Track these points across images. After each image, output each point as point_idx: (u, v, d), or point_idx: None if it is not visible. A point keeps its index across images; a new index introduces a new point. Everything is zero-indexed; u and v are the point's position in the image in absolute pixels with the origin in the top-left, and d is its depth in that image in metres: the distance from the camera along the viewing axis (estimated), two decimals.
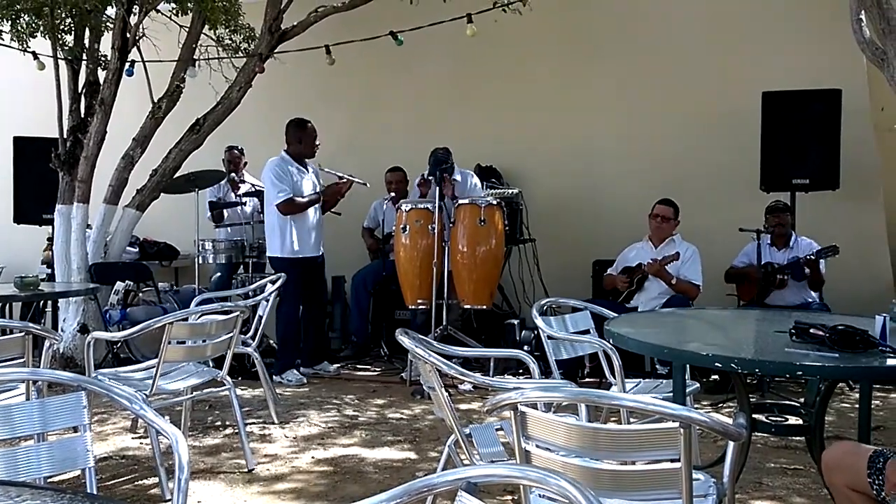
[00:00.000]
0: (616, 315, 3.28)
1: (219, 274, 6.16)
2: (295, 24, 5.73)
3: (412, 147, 6.01)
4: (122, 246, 5.99)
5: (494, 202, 5.34)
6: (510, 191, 6.13)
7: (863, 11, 3.87)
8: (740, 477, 3.01)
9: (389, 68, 6.80)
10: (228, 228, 6.22)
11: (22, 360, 2.87)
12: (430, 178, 5.37)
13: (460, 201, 5.33)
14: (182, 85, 5.76)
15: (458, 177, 5.63)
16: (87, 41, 5.86)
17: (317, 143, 5.40)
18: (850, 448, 2.06)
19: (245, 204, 6.15)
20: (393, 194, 6.15)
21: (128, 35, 5.63)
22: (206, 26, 5.80)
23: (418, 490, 1.18)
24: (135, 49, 5.70)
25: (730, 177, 6.00)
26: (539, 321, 3.17)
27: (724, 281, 5.34)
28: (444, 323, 5.18)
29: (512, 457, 1.87)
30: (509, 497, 3.09)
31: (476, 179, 5.81)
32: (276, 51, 5.77)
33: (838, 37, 4.87)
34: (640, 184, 6.09)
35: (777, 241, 5.23)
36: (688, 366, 2.92)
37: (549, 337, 3.18)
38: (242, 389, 4.79)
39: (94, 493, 1.83)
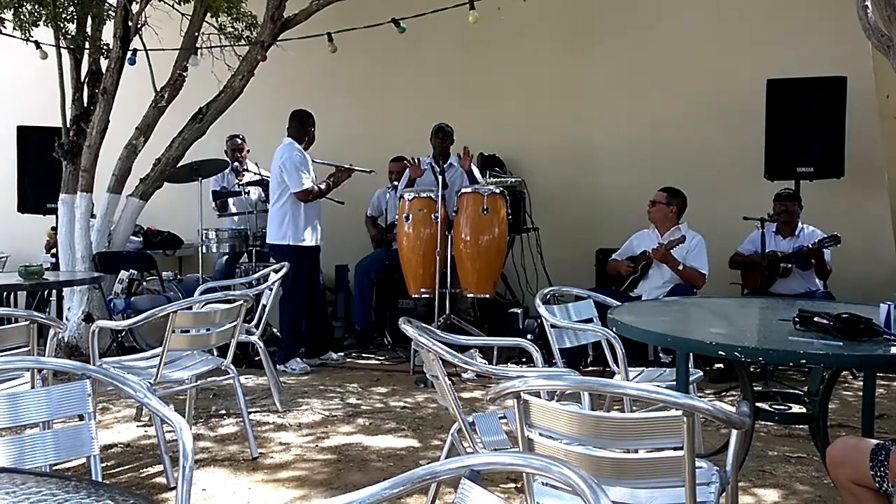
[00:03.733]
0: (619, 303, 3.28)
1: (226, 258, 6.15)
2: (297, 12, 5.70)
3: (415, 136, 6.00)
4: (125, 235, 6.00)
5: (497, 191, 5.33)
6: (513, 179, 6.12)
7: None
8: (743, 465, 3.02)
9: (392, 57, 6.77)
10: (235, 217, 6.21)
11: (27, 349, 2.88)
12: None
13: (463, 190, 5.33)
14: (184, 74, 5.75)
15: (454, 163, 5.63)
16: (89, 30, 5.84)
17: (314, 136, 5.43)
18: (852, 443, 2.06)
19: (249, 193, 6.15)
20: (396, 183, 6.14)
21: (130, 24, 5.62)
22: (208, 14, 5.78)
23: (421, 478, 1.18)
24: (137, 38, 5.69)
25: (734, 165, 5.98)
26: (542, 310, 3.17)
27: (729, 267, 5.33)
28: (447, 312, 5.19)
29: (515, 445, 1.87)
30: (512, 485, 3.09)
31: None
32: (278, 39, 5.75)
33: (843, 24, 4.84)
34: (643, 172, 6.07)
35: (783, 230, 5.21)
36: (691, 354, 2.92)
37: (553, 325, 3.18)
38: (246, 378, 4.81)
39: (99, 480, 1.84)
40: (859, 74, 5.56)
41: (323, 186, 5.37)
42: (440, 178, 5.22)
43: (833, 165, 5.40)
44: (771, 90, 5.53)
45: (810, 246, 4.94)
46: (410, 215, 5.31)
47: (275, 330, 5.59)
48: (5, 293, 5.94)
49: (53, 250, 6.31)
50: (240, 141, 6.29)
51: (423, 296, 5.36)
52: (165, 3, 5.77)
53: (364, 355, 5.81)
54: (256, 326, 4.42)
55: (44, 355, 2.96)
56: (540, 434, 1.77)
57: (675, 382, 2.77)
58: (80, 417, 1.85)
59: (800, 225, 5.24)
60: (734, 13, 6.16)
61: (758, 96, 5.56)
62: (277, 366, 5.07)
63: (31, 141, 6.49)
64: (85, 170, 5.69)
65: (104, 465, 3.34)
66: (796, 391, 3.63)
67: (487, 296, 5.41)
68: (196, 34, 5.82)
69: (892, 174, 6.07)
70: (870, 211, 5.84)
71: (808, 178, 5.46)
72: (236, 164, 6.23)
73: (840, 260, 5.13)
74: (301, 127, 5.36)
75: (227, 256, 6.12)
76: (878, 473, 1.88)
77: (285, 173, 5.23)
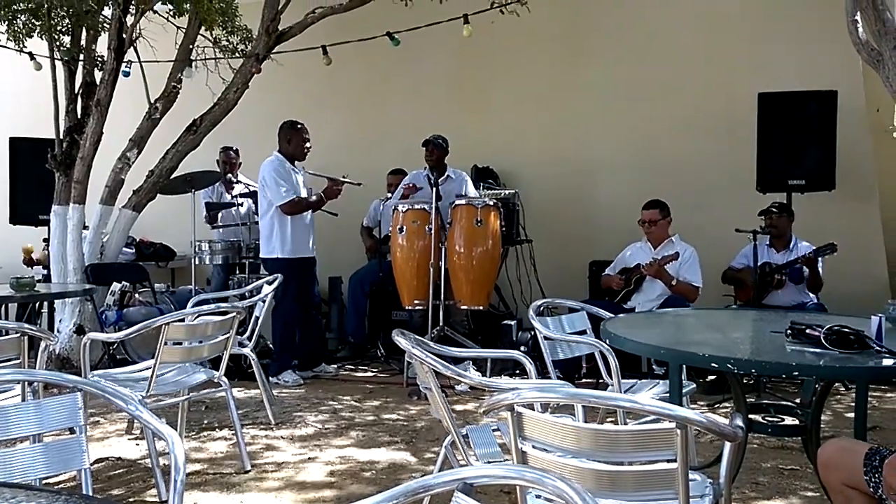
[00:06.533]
0: (613, 316, 3.28)
1: (216, 274, 6.15)
2: (292, 25, 5.72)
3: (409, 147, 6.01)
4: (118, 247, 5.98)
5: (491, 203, 5.34)
6: (507, 192, 6.13)
7: (858, 13, 3.88)
8: (737, 477, 3.02)
9: (386, 68, 6.80)
10: (222, 230, 6.20)
11: (18, 361, 2.86)
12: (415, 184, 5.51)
13: (457, 202, 5.34)
14: (178, 86, 5.75)
15: (452, 175, 5.65)
16: (83, 42, 5.85)
17: (308, 145, 5.39)
18: (845, 445, 2.06)
19: (241, 205, 6.14)
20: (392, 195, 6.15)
21: (124, 36, 5.62)
22: (203, 27, 5.79)
23: (414, 491, 1.18)
24: (131, 50, 5.70)
25: (726, 178, 6.01)
26: (536, 322, 3.17)
27: (722, 282, 5.34)
28: (441, 323, 5.18)
29: (509, 457, 1.87)
30: (506, 497, 3.08)
31: (470, 182, 5.81)
32: (273, 52, 5.77)
33: (834, 38, 4.89)
34: (636, 185, 6.09)
35: (776, 244, 5.23)
36: (684, 366, 2.92)
37: (546, 338, 3.18)
38: (239, 391, 4.79)
39: (90, 494, 1.82)
40: (850, 88, 5.61)
41: (313, 199, 5.36)
42: (434, 189, 5.23)
43: (824, 178, 5.43)
44: (763, 103, 5.57)
45: (806, 255, 4.95)
46: (404, 227, 5.31)
47: (268, 342, 5.57)
48: None
49: (37, 268, 6.29)
50: (233, 154, 6.30)
51: (417, 307, 5.35)
52: (160, 15, 5.78)
53: (358, 367, 5.79)
54: (249, 338, 4.40)
55: (35, 368, 2.94)
56: (533, 446, 1.77)
57: (668, 394, 2.77)
58: (71, 430, 1.84)
59: (793, 239, 5.25)
60: (726, 27, 6.21)
61: (750, 110, 5.60)
62: (270, 378, 5.05)
63: (24, 152, 6.48)
64: (78, 181, 5.67)
65: (95, 478, 3.32)
66: (789, 403, 3.63)
67: (481, 308, 5.40)
68: (190, 47, 5.83)
69: (883, 187, 6.11)
70: (861, 223, 5.87)
71: (800, 191, 5.49)
72: (229, 175, 6.23)
73: (831, 272, 5.15)
74: (283, 139, 5.37)
75: (216, 273, 6.11)
76: (873, 479, 1.88)
77: (266, 188, 5.26)
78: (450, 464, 2.51)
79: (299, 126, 5.38)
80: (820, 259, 4.96)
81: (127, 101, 5.85)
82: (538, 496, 1.88)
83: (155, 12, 5.72)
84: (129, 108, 5.92)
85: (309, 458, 3.70)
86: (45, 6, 5.45)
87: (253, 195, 6.04)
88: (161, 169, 5.82)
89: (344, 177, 5.46)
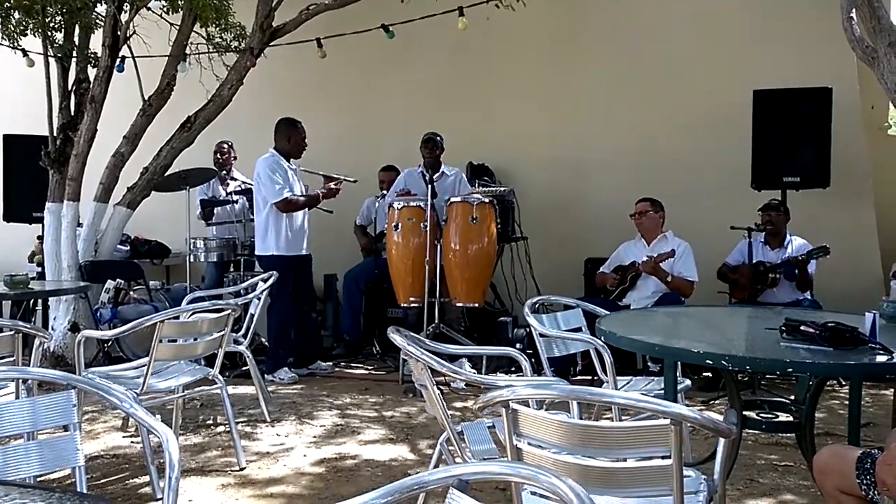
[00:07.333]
0: (608, 313, 3.29)
1: (210, 271, 6.13)
2: (286, 21, 5.70)
3: (404, 144, 6.01)
4: (112, 244, 5.96)
5: (486, 200, 5.34)
6: (502, 189, 6.13)
7: (854, 9, 3.89)
8: (731, 473, 3.02)
9: (381, 65, 6.79)
10: (215, 228, 6.17)
11: (12, 359, 2.86)
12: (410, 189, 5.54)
13: (452, 199, 5.33)
14: (173, 82, 5.73)
15: (447, 172, 5.64)
16: (77, 39, 5.82)
17: (305, 143, 5.39)
18: (838, 451, 2.08)
19: (236, 202, 6.13)
20: (385, 192, 6.14)
21: (118, 33, 5.60)
22: (198, 24, 5.77)
23: (409, 487, 1.18)
24: (125, 47, 5.67)
25: (721, 175, 6.02)
26: (531, 319, 3.17)
27: (717, 278, 5.35)
28: (436, 321, 5.18)
29: (504, 454, 1.87)
30: (501, 494, 3.09)
31: (465, 180, 5.81)
32: (267, 47, 5.75)
33: (829, 35, 4.90)
34: (631, 182, 6.09)
35: (771, 241, 5.24)
36: (679, 363, 2.93)
37: (541, 335, 3.18)
38: (234, 388, 4.78)
39: (84, 491, 1.82)
40: (844, 86, 5.62)
41: (304, 198, 5.35)
42: (430, 187, 5.22)
43: (819, 175, 5.44)
44: (757, 101, 5.58)
45: (799, 257, 4.97)
46: (400, 224, 5.31)
47: (263, 339, 5.56)
48: None
49: (38, 257, 6.26)
50: (226, 147, 6.27)
51: (413, 305, 5.35)
52: (154, 12, 5.76)
53: (353, 365, 5.79)
54: (244, 336, 4.39)
55: (29, 365, 2.93)
56: (528, 443, 1.77)
57: (663, 391, 2.78)
58: (66, 428, 1.83)
59: (788, 236, 5.26)
60: (721, 25, 6.21)
61: (745, 107, 5.60)
62: (266, 375, 5.04)
63: (18, 149, 6.46)
64: (72, 178, 5.65)
65: (89, 476, 3.31)
66: (783, 399, 3.65)
67: (476, 305, 5.40)
68: (185, 43, 5.81)
69: (879, 184, 6.12)
70: (855, 220, 5.88)
71: (795, 188, 5.50)
72: (223, 172, 6.21)
73: (826, 269, 5.16)
74: (281, 136, 5.36)
75: (213, 265, 6.09)
76: (865, 481, 1.90)
77: (261, 185, 5.27)
78: (445, 460, 2.51)
79: (298, 124, 5.37)
80: (813, 259, 4.98)
81: (121, 97, 5.82)
82: (533, 493, 1.88)
83: (149, 9, 5.70)
84: (122, 105, 5.89)
85: (304, 455, 3.70)
86: (39, 3, 5.42)
87: (248, 192, 6.02)
88: (155, 166, 5.80)
89: (338, 174, 5.46)
